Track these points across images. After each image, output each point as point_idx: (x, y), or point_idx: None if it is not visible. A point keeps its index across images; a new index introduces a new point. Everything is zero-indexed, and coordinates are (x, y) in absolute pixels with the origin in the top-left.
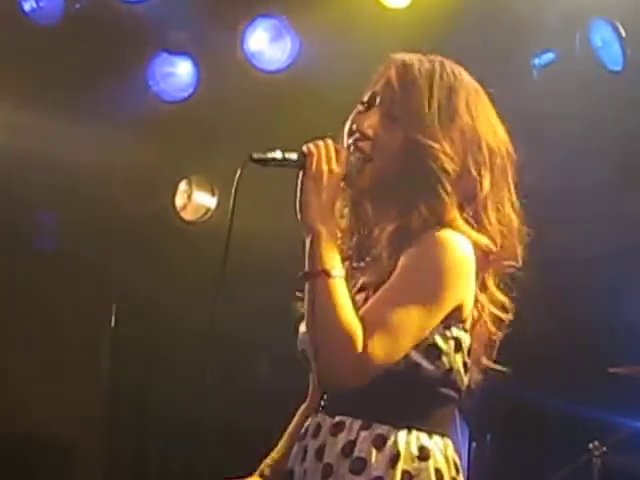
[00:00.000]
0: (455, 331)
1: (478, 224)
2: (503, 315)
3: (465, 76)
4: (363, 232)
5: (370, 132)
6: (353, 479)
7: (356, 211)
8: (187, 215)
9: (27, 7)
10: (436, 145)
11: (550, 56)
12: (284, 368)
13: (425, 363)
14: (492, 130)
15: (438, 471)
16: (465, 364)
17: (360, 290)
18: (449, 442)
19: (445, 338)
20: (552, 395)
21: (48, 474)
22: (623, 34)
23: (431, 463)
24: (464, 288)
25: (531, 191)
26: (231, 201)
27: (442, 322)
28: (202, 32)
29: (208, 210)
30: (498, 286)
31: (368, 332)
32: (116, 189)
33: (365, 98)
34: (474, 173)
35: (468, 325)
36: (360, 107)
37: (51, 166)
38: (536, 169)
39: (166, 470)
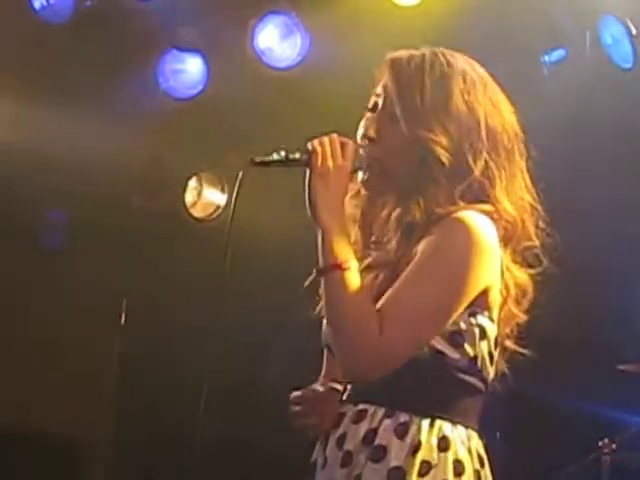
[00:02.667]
0: (480, 319)
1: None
2: (525, 293)
3: (461, 62)
4: (367, 221)
5: (374, 135)
6: (372, 467)
7: (363, 204)
8: (197, 212)
9: (37, 4)
10: (432, 136)
11: (560, 53)
12: (289, 369)
13: (449, 351)
14: (494, 112)
15: (459, 462)
16: (491, 354)
17: (367, 268)
18: (473, 433)
19: (470, 325)
20: (562, 393)
21: (59, 475)
22: (634, 32)
23: (450, 454)
24: (489, 271)
25: (541, 185)
26: (232, 205)
27: (467, 308)
28: (212, 29)
29: (218, 207)
30: (518, 263)
31: (386, 318)
32: (125, 186)
33: (370, 104)
34: (470, 160)
35: (495, 314)
36: (368, 114)
37: (59, 163)
38: (546, 164)
39: (177, 468)
